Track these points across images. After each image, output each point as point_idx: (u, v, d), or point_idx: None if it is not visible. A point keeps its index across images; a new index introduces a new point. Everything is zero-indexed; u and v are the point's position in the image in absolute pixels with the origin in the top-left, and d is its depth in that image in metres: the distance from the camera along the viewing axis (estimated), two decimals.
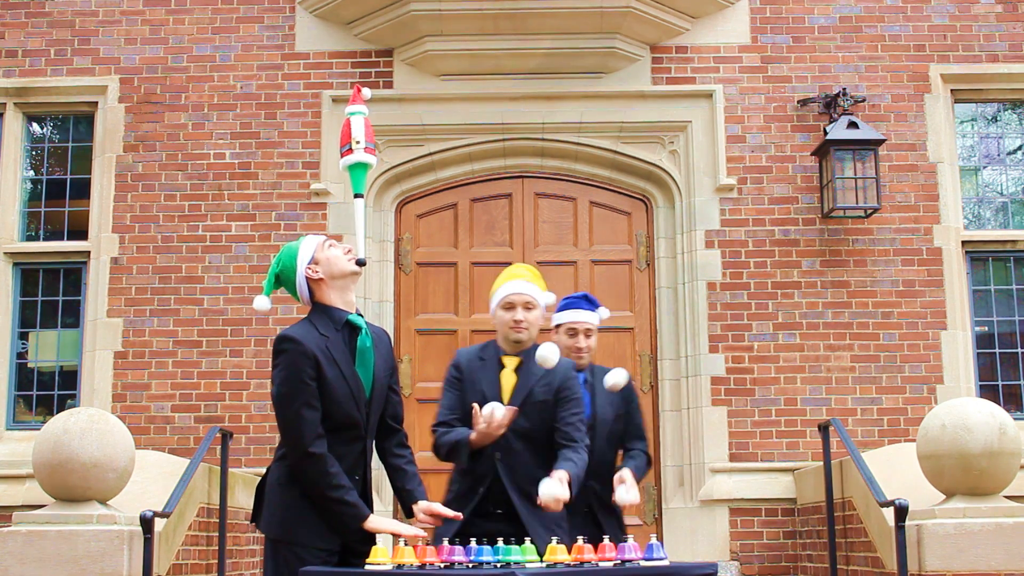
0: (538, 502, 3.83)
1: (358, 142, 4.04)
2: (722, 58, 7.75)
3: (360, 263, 3.80)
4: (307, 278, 3.75)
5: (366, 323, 3.80)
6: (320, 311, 3.74)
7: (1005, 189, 7.98)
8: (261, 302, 3.82)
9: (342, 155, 4.09)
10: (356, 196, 4.08)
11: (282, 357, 3.62)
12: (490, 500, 4.11)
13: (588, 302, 4.85)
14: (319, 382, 3.60)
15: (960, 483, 5.08)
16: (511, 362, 4.23)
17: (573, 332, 4.76)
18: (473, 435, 4.02)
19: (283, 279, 3.80)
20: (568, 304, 4.85)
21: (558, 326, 4.83)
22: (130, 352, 7.42)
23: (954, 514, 5.01)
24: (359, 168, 4.06)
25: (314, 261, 3.76)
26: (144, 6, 7.82)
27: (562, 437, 4.12)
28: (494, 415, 3.91)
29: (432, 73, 7.70)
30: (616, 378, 4.52)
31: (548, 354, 4.05)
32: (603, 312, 4.85)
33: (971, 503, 5.05)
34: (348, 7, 7.61)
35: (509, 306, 4.20)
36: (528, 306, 4.19)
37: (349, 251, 3.80)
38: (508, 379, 4.21)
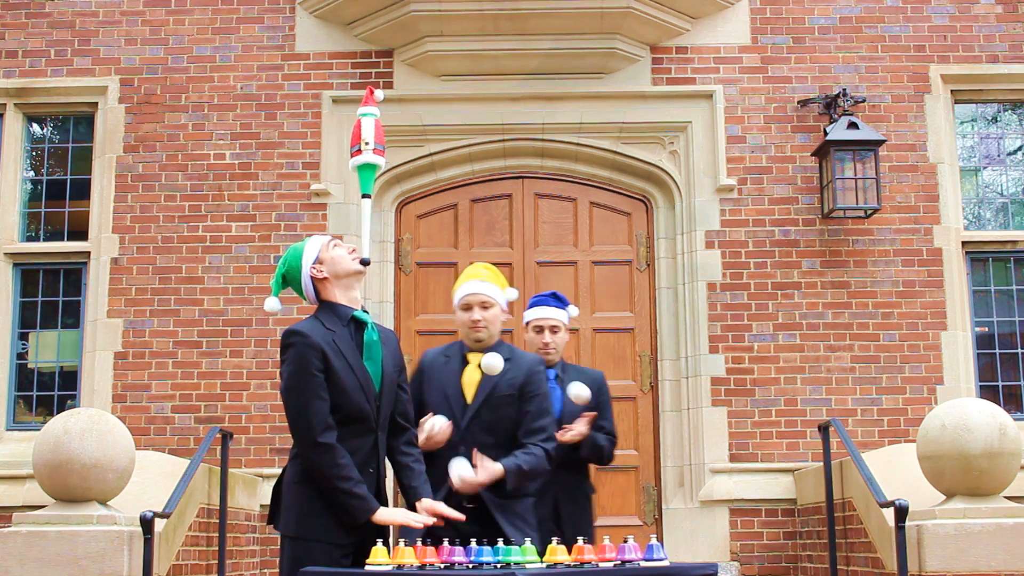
0: (449, 481, 3.99)
1: (367, 143, 4.16)
2: (722, 58, 7.75)
3: (364, 262, 3.87)
4: (312, 277, 3.82)
5: (372, 321, 3.85)
6: (326, 308, 3.81)
7: (1005, 189, 7.99)
8: (272, 303, 3.90)
9: (351, 155, 4.24)
10: (364, 196, 4.21)
11: (290, 351, 3.68)
12: (461, 496, 4.11)
13: (556, 299, 4.94)
14: (327, 374, 3.65)
15: (960, 483, 5.08)
16: (475, 358, 4.30)
17: (539, 329, 4.87)
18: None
19: (289, 279, 3.87)
20: (536, 302, 4.98)
21: (527, 323, 4.93)
22: (130, 352, 7.42)
23: (954, 514, 5.02)
24: (367, 169, 4.17)
25: (319, 261, 3.83)
26: (144, 6, 7.82)
27: (522, 433, 4.24)
28: (435, 428, 4.07)
29: (432, 73, 7.70)
30: (579, 391, 4.56)
31: (492, 362, 4.16)
32: (572, 310, 4.96)
33: (971, 503, 5.05)
34: (348, 7, 7.61)
35: (467, 307, 4.30)
36: (485, 305, 4.28)
37: (353, 250, 3.87)
38: (472, 375, 4.29)
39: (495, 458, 4.11)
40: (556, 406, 4.74)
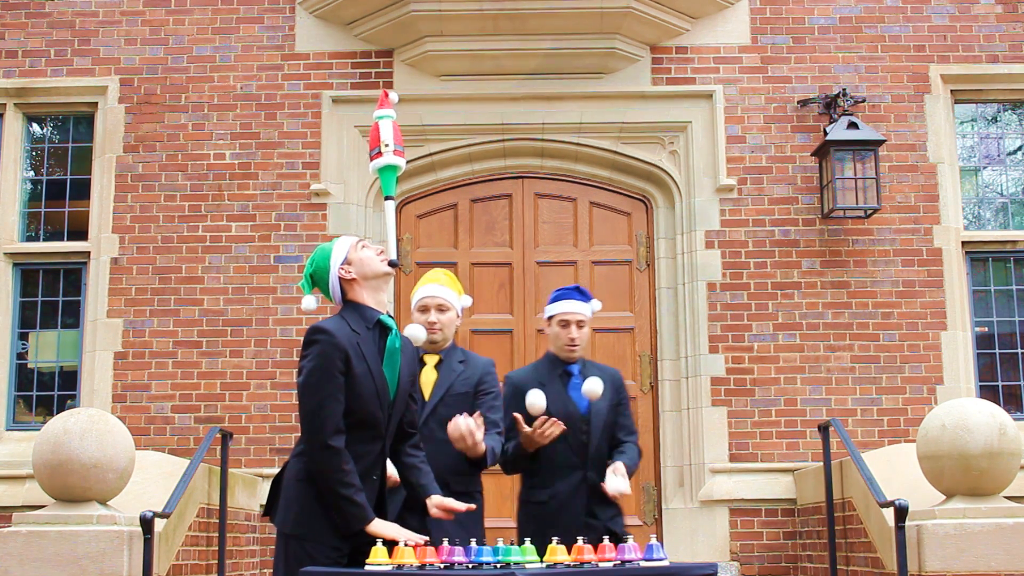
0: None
1: (387, 145, 4.19)
2: (722, 58, 7.75)
3: (392, 264, 3.86)
4: (340, 278, 3.80)
5: (397, 327, 3.84)
6: (352, 308, 3.79)
7: (1005, 189, 7.99)
8: (308, 302, 3.87)
9: (371, 158, 4.25)
10: (386, 199, 4.22)
11: (313, 348, 3.64)
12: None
13: (580, 293, 4.90)
14: (347, 377, 3.62)
15: (960, 483, 5.08)
16: (431, 360, 4.55)
17: (565, 323, 4.82)
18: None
19: (316, 279, 3.85)
20: (560, 296, 4.90)
21: (550, 318, 4.88)
22: (130, 352, 7.42)
23: (954, 514, 5.02)
24: (389, 171, 4.20)
25: (347, 262, 3.81)
26: (144, 6, 7.82)
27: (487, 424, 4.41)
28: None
29: (432, 73, 7.70)
30: (593, 386, 4.57)
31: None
32: (595, 304, 4.92)
33: (971, 503, 5.06)
34: (348, 7, 7.61)
35: (424, 308, 4.54)
36: (441, 308, 4.54)
37: (381, 252, 3.86)
38: (428, 375, 4.52)
39: (446, 453, 4.27)
40: (584, 404, 4.74)
